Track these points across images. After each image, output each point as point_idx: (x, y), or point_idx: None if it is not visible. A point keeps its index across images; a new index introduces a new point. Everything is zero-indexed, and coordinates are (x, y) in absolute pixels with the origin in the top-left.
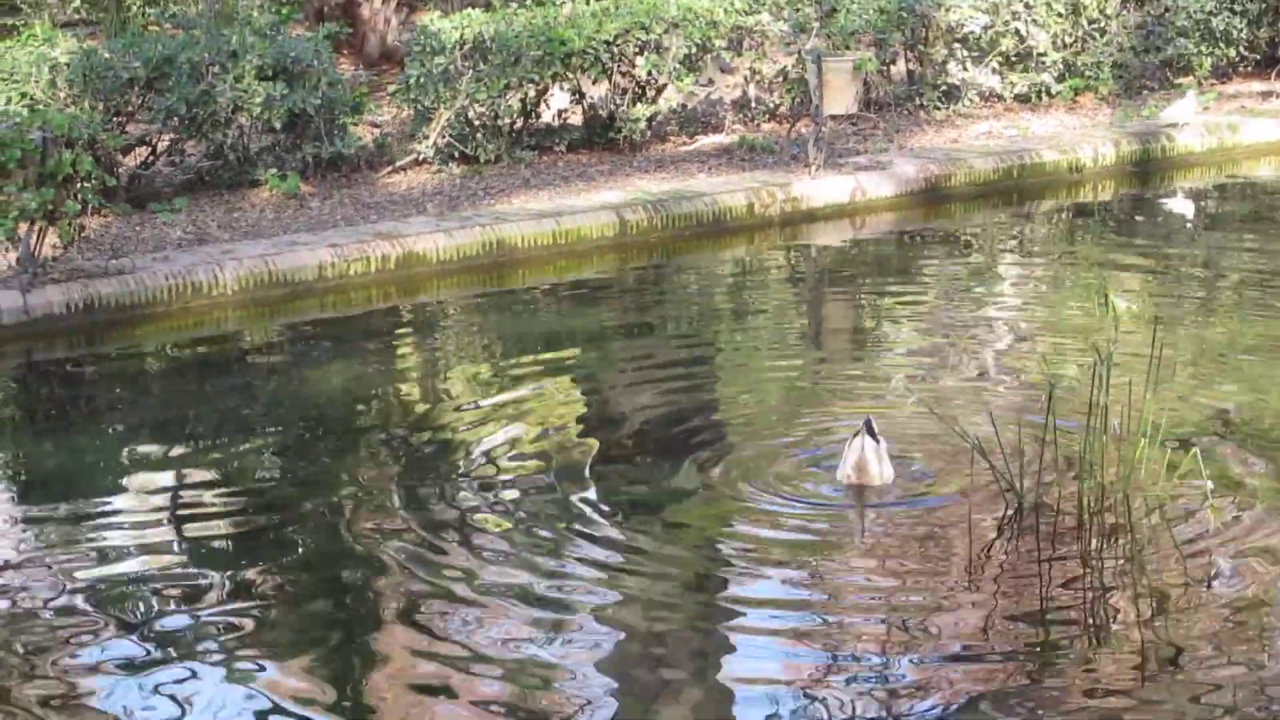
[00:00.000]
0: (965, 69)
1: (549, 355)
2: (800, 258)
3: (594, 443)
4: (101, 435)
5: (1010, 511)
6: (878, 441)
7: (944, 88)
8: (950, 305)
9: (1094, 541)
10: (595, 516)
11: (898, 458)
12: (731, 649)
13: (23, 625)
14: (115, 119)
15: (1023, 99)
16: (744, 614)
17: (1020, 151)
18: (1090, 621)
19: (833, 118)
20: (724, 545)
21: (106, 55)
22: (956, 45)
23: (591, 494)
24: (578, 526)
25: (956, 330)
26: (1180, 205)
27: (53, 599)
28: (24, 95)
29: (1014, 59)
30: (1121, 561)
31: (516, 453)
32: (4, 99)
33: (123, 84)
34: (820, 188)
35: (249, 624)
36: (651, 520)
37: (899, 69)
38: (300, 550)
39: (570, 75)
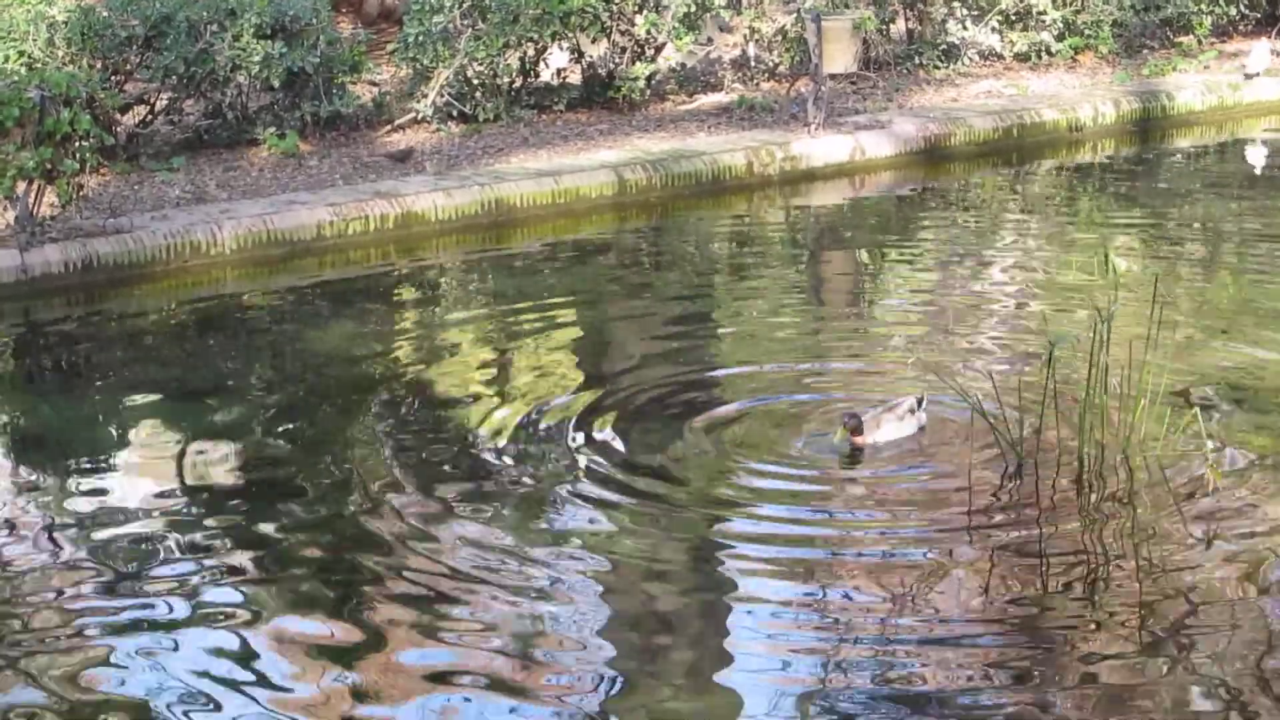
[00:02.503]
0: (965, 28)
1: (548, 315)
2: (800, 217)
3: (593, 403)
4: (100, 395)
5: (1010, 470)
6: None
7: (943, 47)
8: (950, 264)
9: (1093, 500)
10: (593, 478)
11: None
12: (730, 614)
13: (21, 582)
14: (113, 77)
15: (1022, 58)
16: (743, 579)
17: (1020, 110)
18: (1089, 583)
19: (832, 77)
20: (722, 507)
21: (105, 13)
22: (956, 4)
23: (590, 455)
24: (576, 488)
25: (956, 289)
26: (1253, 154)
27: (49, 557)
28: (22, 54)
29: (1014, 18)
30: (1121, 521)
31: (515, 414)
32: (2, 57)
33: (121, 42)
34: (820, 147)
35: (247, 584)
36: (651, 481)
37: (898, 28)
38: (299, 509)
39: (569, 34)
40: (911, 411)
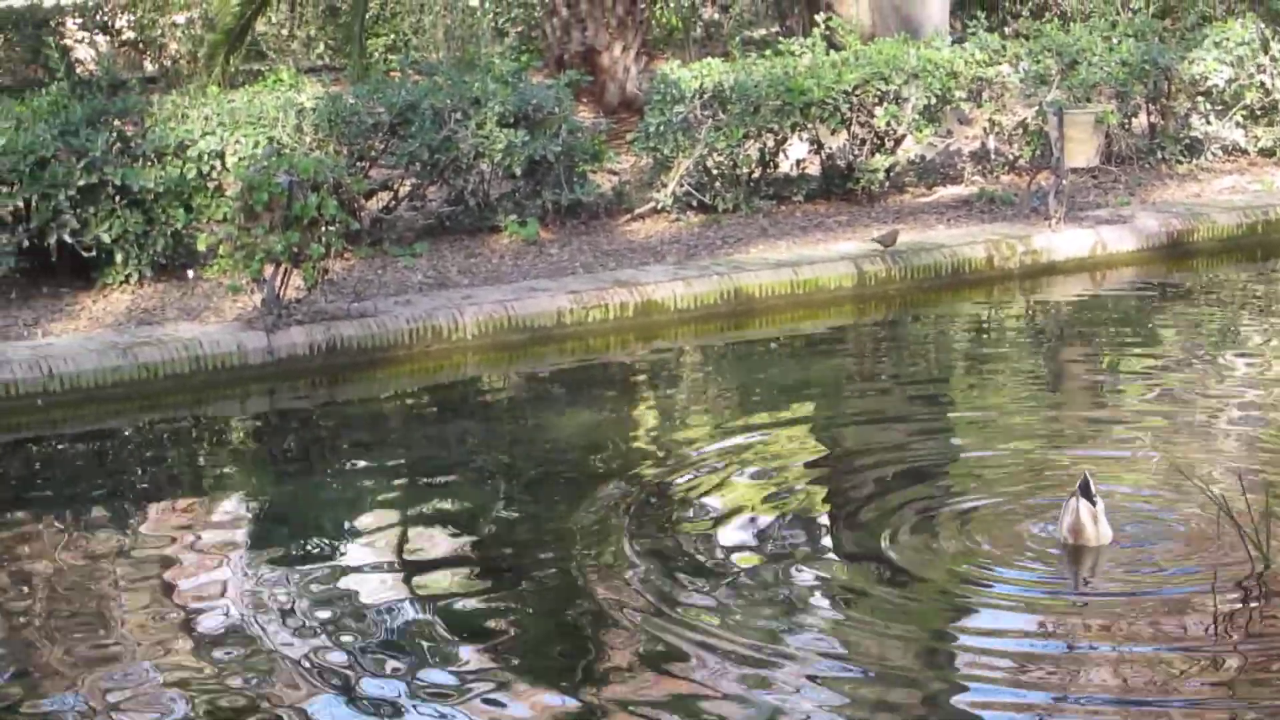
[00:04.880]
0: (1208, 122)
1: (784, 405)
2: (1040, 311)
3: (825, 493)
4: (340, 476)
5: (1257, 572)
6: (1094, 502)
7: (1186, 141)
8: (1192, 361)
9: None
10: (823, 566)
11: (1138, 513)
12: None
13: (260, 661)
14: (359, 163)
15: (1267, 153)
16: (966, 683)
17: (1265, 207)
18: None
19: (1073, 170)
20: (948, 605)
21: (351, 101)
22: (1200, 98)
23: (820, 543)
24: (805, 576)
25: (1198, 386)
26: None
27: (290, 634)
28: (271, 139)
29: (1258, 112)
30: None
31: (748, 503)
32: (252, 143)
33: (367, 129)
34: (1061, 241)
35: (482, 665)
36: (878, 572)
37: (1140, 122)
38: (533, 594)
39: (809, 125)
40: (1091, 498)
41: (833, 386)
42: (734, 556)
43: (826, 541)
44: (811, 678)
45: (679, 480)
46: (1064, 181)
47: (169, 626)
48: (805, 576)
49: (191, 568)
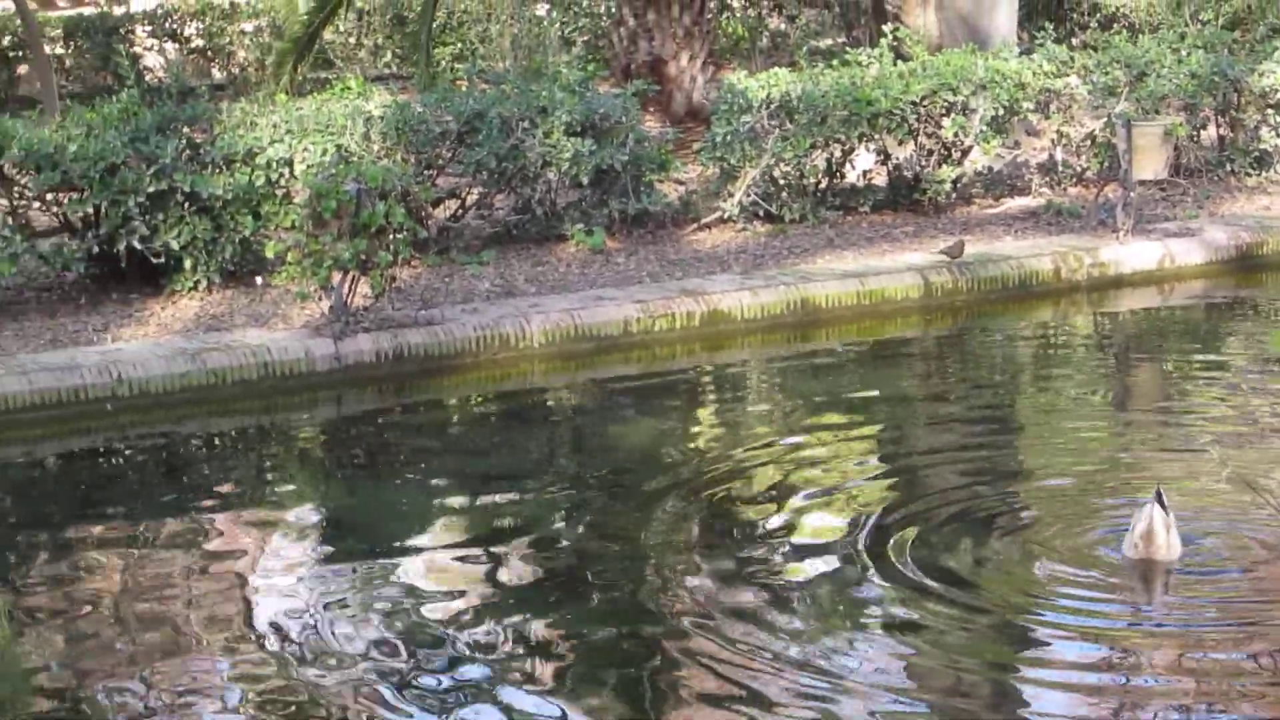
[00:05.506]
0: (1278, 135)
1: (850, 417)
2: (1107, 324)
3: (890, 507)
4: (407, 484)
5: None
6: (1167, 513)
7: (1256, 154)
8: (1263, 375)
9: None
10: (888, 581)
11: (1207, 529)
12: None
13: (325, 666)
14: (427, 171)
15: None
16: (1034, 699)
17: None
18: None
19: (1141, 183)
20: (1016, 619)
21: (419, 109)
22: (1270, 111)
23: (885, 558)
24: (870, 591)
25: (1268, 401)
26: None
27: (353, 641)
28: (339, 147)
29: None
30: None
31: (812, 516)
32: (320, 150)
33: (435, 137)
34: (1128, 253)
35: (543, 675)
36: (944, 586)
37: (1209, 134)
38: (597, 604)
39: (876, 135)
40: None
41: (898, 398)
42: (796, 571)
43: (891, 558)
44: (873, 714)
45: (744, 492)
46: (1132, 194)
47: (234, 632)
48: (869, 595)
49: (257, 573)
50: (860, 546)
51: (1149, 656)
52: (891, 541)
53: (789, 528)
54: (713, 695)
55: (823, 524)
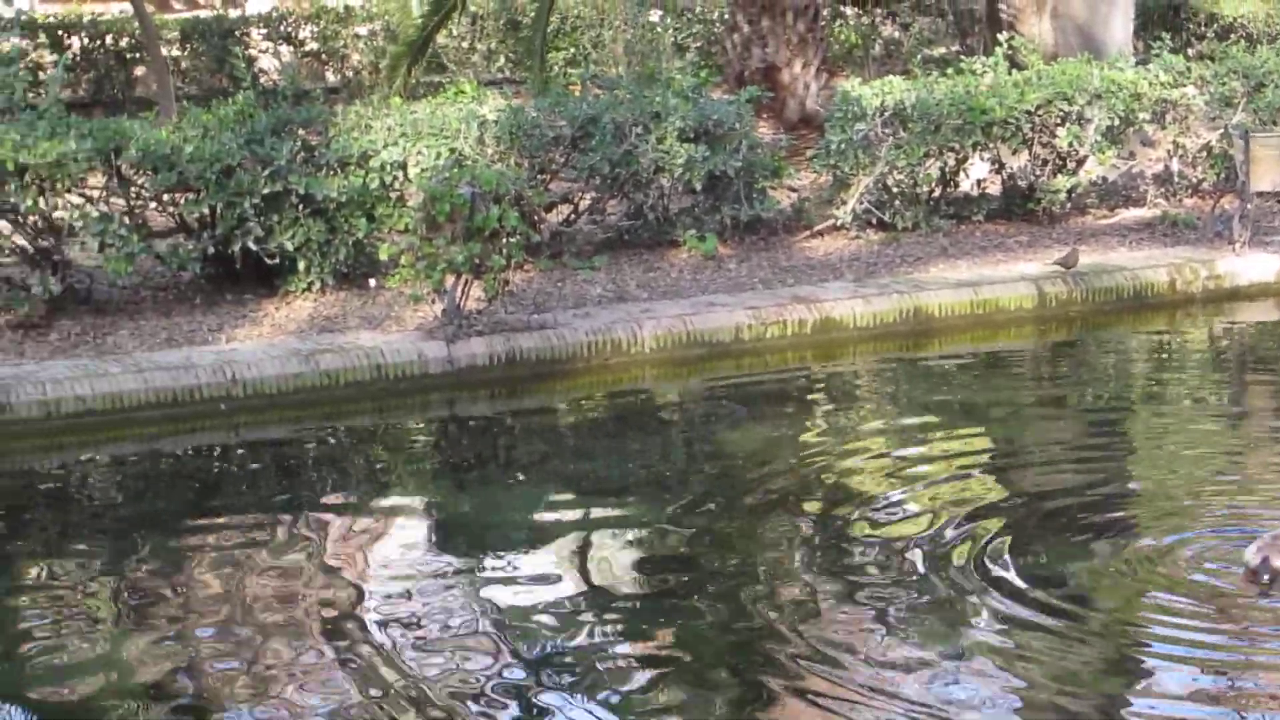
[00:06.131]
0: None
1: (961, 427)
2: (1222, 336)
3: (1000, 518)
4: (517, 487)
5: None
6: None
7: None
8: None
9: None
10: (999, 594)
11: None
12: None
13: (430, 666)
14: (540, 176)
15: None
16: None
17: None
18: None
19: (1259, 194)
20: (1130, 633)
21: (533, 114)
22: None
23: (995, 571)
24: (981, 603)
25: None
26: None
27: (461, 642)
28: (453, 150)
29: None
30: None
31: (923, 525)
32: (434, 154)
33: (548, 142)
34: (1245, 265)
35: (650, 681)
36: (1057, 601)
37: None
38: (701, 610)
39: (990, 144)
40: None
41: (1011, 409)
42: (903, 582)
43: (999, 572)
44: (981, 708)
45: (851, 502)
46: (1248, 206)
47: (341, 630)
48: (976, 609)
49: (366, 574)
50: (968, 564)
51: (1260, 683)
52: (1001, 559)
53: (895, 539)
54: (809, 708)
55: (929, 537)
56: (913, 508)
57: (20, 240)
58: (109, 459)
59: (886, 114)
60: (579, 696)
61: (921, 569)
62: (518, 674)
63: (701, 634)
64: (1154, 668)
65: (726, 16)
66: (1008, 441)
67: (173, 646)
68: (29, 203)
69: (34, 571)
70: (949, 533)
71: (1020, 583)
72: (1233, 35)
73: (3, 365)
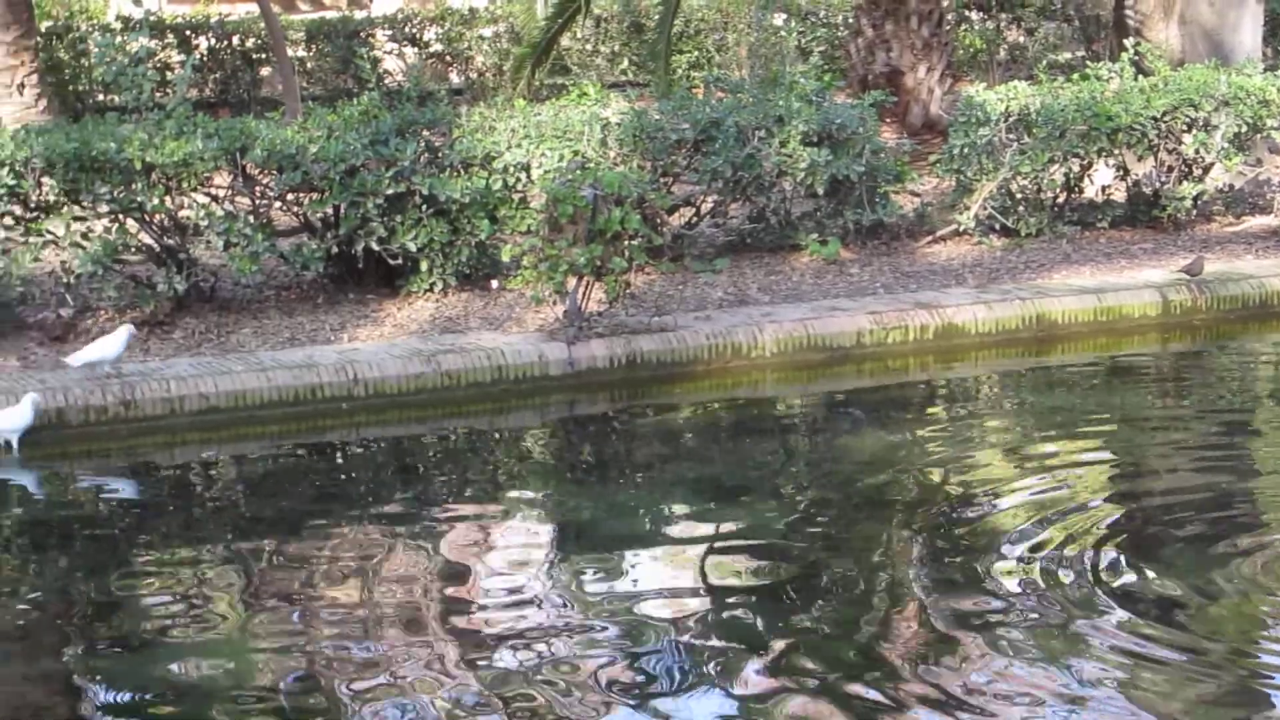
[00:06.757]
0: None
1: (1083, 435)
2: None
3: (1122, 534)
4: (636, 489)
5: None
6: None
7: None
8: None
9: None
10: (1117, 616)
11: None
12: None
13: (547, 665)
14: (662, 179)
15: None
16: None
17: None
18: None
19: None
20: (1257, 647)
21: (656, 116)
22: None
23: (1116, 580)
24: (1097, 627)
25: None
26: None
27: (578, 641)
28: (576, 153)
29: None
30: None
31: (1039, 536)
32: (557, 156)
33: (671, 145)
34: None
35: (765, 687)
36: (1178, 625)
37: None
38: (815, 614)
39: (1115, 151)
40: None
41: (1134, 417)
42: (1021, 592)
43: (1117, 584)
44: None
45: (971, 508)
46: None
47: (459, 628)
48: (1092, 634)
49: (484, 572)
50: (1086, 570)
51: None
52: (1121, 576)
53: (1015, 549)
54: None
55: (1049, 548)
56: (1032, 520)
57: (147, 238)
58: (231, 456)
59: (1011, 119)
60: (693, 699)
61: (1040, 584)
62: (633, 675)
63: (814, 642)
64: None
65: (851, 20)
66: (1130, 452)
67: (290, 642)
68: (155, 201)
69: (156, 566)
70: (1069, 549)
71: (1140, 604)
72: None
73: (128, 362)
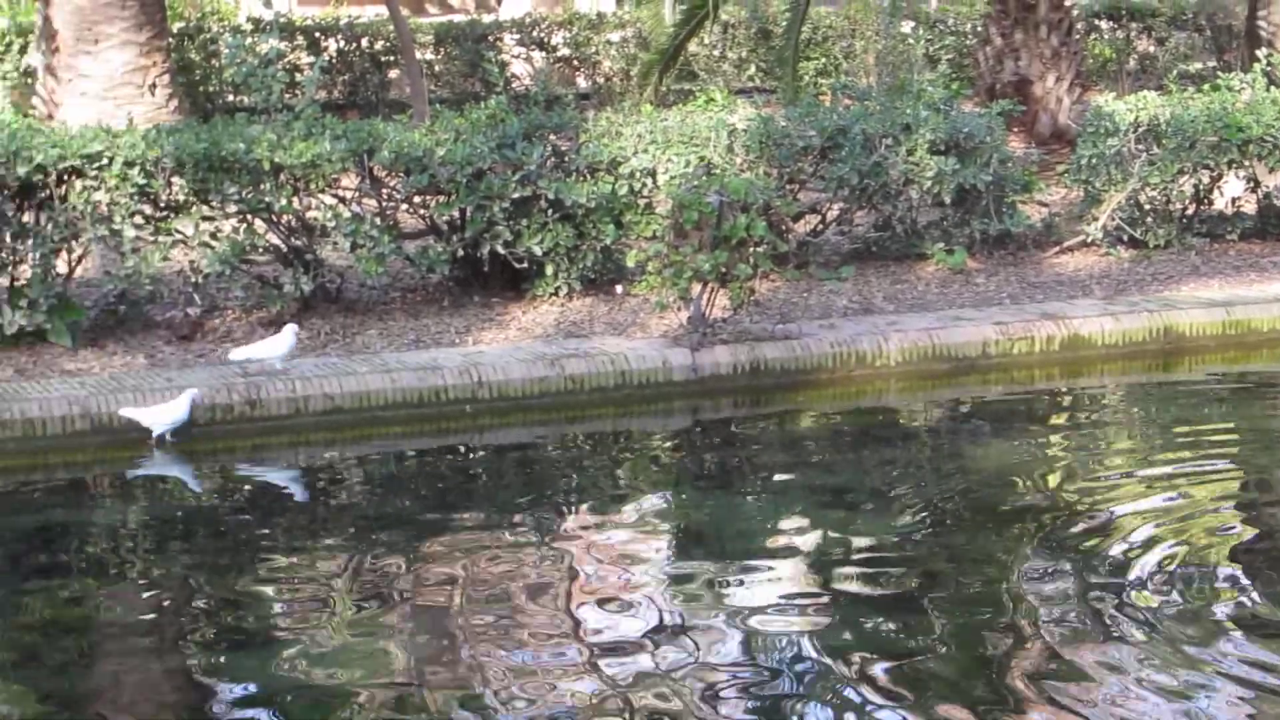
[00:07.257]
0: None
1: (1209, 450)
2: None
3: (1248, 546)
4: (758, 496)
5: None
6: None
7: None
8: None
9: None
10: (1242, 626)
11: None
12: None
13: (665, 670)
14: (788, 186)
15: None
16: None
17: None
18: None
19: None
20: None
21: (783, 123)
22: None
23: (1241, 601)
24: (1224, 636)
25: None
26: None
27: (696, 647)
28: (702, 159)
29: None
30: None
31: (1161, 553)
32: (684, 162)
33: (797, 152)
34: None
35: (879, 698)
36: None
37: None
38: (934, 625)
39: (1246, 162)
40: None
41: (1262, 434)
42: (1139, 611)
43: (1242, 604)
44: None
45: (1093, 522)
46: None
47: (576, 632)
48: (1217, 647)
49: (603, 577)
50: (1206, 590)
51: None
52: (1246, 591)
53: (1136, 566)
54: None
55: (1171, 566)
56: (1154, 538)
57: (274, 239)
58: (355, 457)
59: (1140, 130)
60: (815, 704)
61: (1160, 603)
62: (755, 677)
63: (933, 655)
64: None
65: (979, 29)
66: (1258, 470)
67: (410, 641)
68: (283, 202)
69: (280, 564)
70: (1191, 568)
71: (1266, 626)
72: None
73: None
